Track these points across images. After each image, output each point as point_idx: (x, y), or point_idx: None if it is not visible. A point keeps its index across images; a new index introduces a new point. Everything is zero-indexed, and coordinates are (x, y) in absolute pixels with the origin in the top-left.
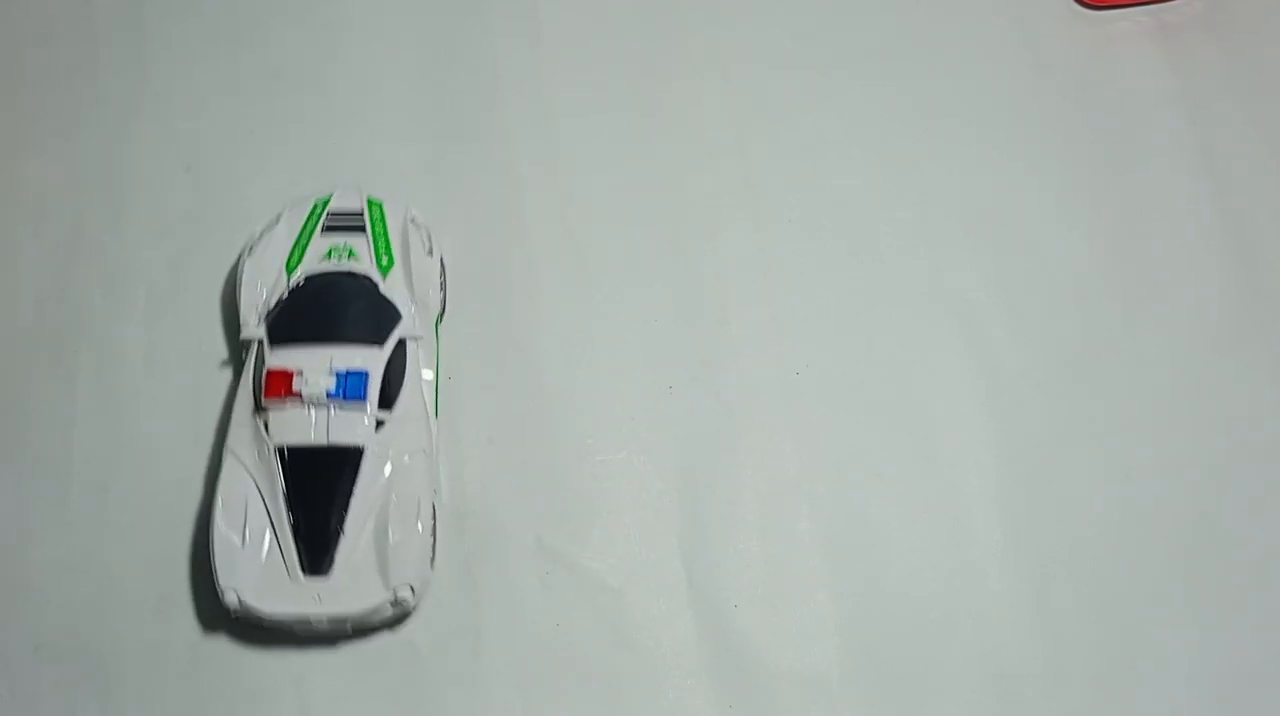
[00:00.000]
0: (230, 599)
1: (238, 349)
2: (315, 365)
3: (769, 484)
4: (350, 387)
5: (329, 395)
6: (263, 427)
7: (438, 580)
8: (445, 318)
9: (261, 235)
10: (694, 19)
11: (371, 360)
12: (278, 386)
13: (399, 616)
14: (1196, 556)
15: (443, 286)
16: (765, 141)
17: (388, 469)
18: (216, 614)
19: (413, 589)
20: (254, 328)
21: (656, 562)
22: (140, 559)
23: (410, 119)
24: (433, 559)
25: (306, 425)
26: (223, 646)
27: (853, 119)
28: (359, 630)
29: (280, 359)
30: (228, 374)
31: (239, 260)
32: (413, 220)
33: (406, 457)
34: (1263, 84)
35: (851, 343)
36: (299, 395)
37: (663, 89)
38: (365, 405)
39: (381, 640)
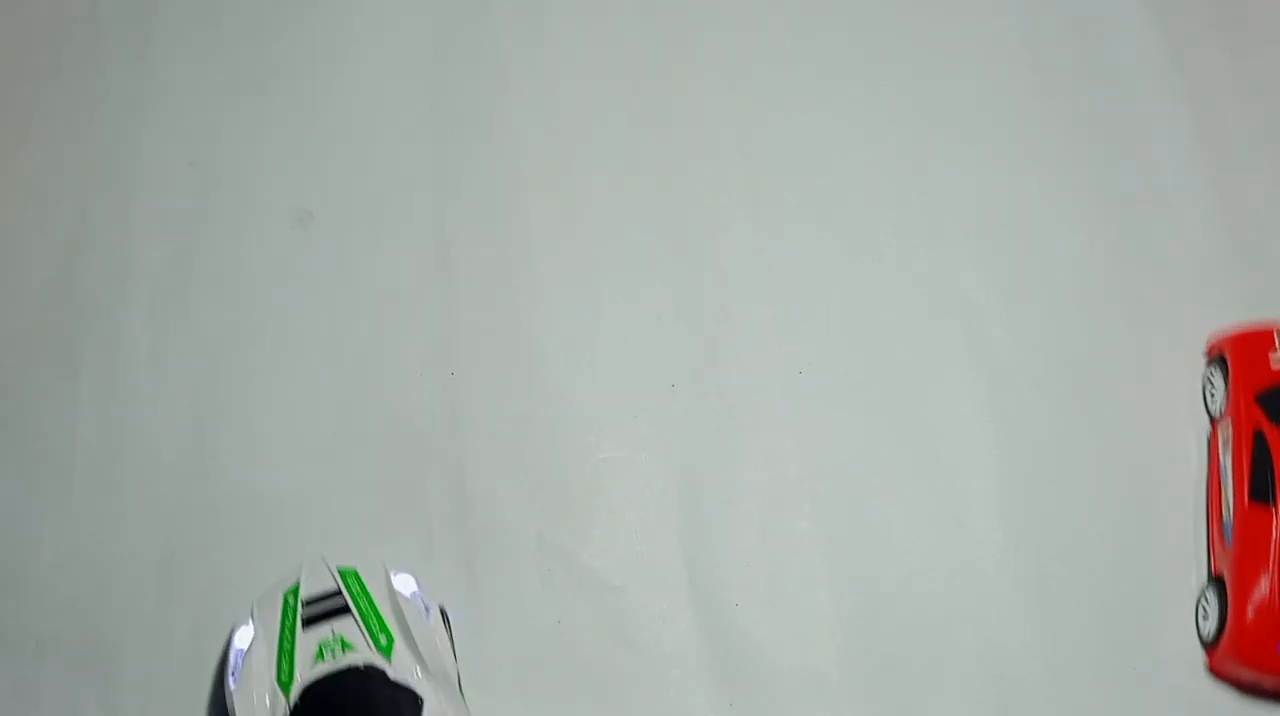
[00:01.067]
0: None
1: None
2: None
3: (770, 483)
4: None
5: None
6: None
7: (438, 578)
8: (452, 312)
9: (236, 655)
10: (697, 18)
11: None
12: None
13: None
14: (1197, 556)
15: (450, 639)
16: (768, 141)
17: None
18: (218, 607)
19: None
20: None
21: (658, 561)
22: (142, 554)
23: (415, 117)
24: None
25: None
26: (224, 640)
27: (855, 118)
28: None
29: None
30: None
31: (224, 690)
32: (394, 577)
33: None
34: (1269, 83)
35: (854, 342)
36: None
37: (665, 88)
38: None
39: None
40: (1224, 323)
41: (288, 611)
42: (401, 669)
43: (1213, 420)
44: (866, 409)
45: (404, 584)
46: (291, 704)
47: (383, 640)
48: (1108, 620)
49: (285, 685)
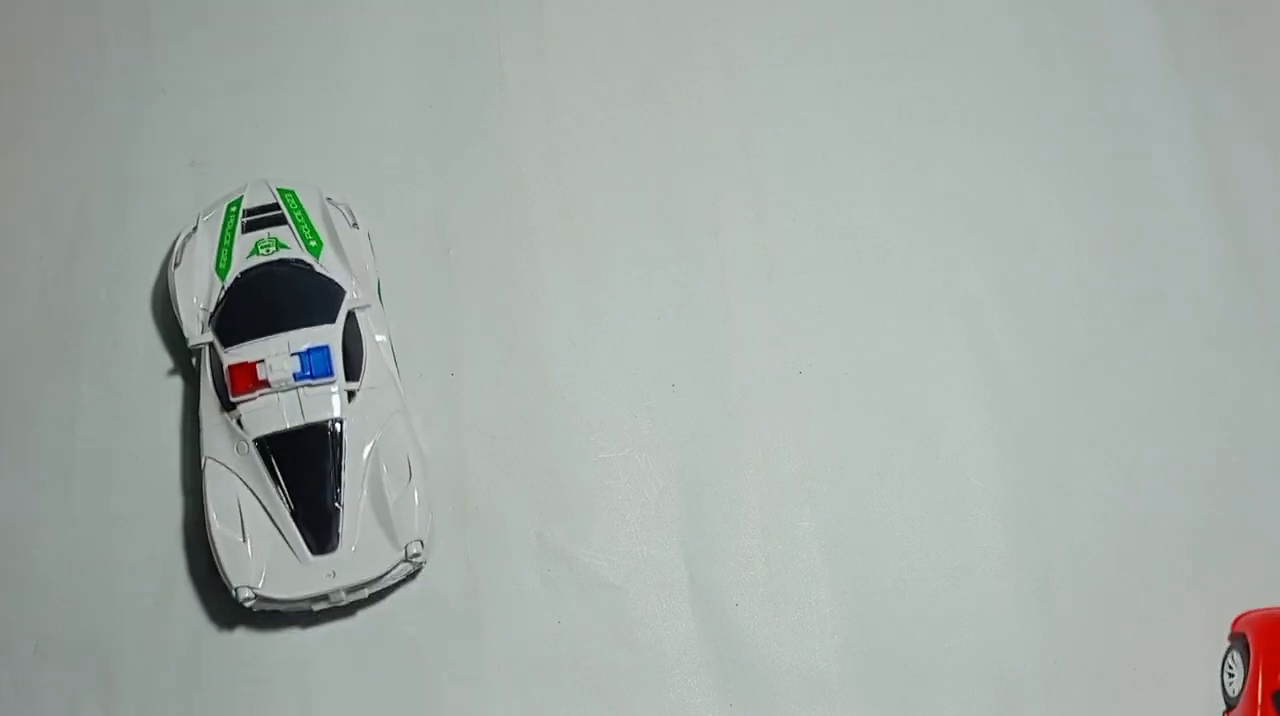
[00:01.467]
0: (245, 595)
1: (184, 362)
2: (275, 352)
3: (770, 482)
4: (315, 364)
5: (296, 377)
6: (236, 425)
7: (438, 578)
8: (452, 312)
9: (182, 245)
10: (699, 18)
11: (328, 336)
12: (243, 380)
13: (414, 571)
14: (1198, 556)
15: (373, 255)
16: (769, 140)
17: (369, 435)
18: (217, 607)
19: (422, 542)
20: (200, 334)
21: (658, 560)
22: (142, 553)
23: (415, 116)
24: (429, 500)
25: (280, 412)
26: (224, 640)
27: (856, 118)
28: (377, 595)
29: (239, 355)
30: (177, 386)
31: (165, 274)
32: (329, 200)
33: (385, 419)
34: (1270, 84)
35: (854, 342)
36: (266, 383)
37: (667, 87)
38: (333, 379)
39: (383, 635)
40: (1225, 323)
41: (229, 216)
42: (328, 265)
43: (1228, 707)
44: (866, 408)
45: (337, 203)
46: (226, 285)
47: (313, 243)
48: (1108, 620)
49: (222, 272)
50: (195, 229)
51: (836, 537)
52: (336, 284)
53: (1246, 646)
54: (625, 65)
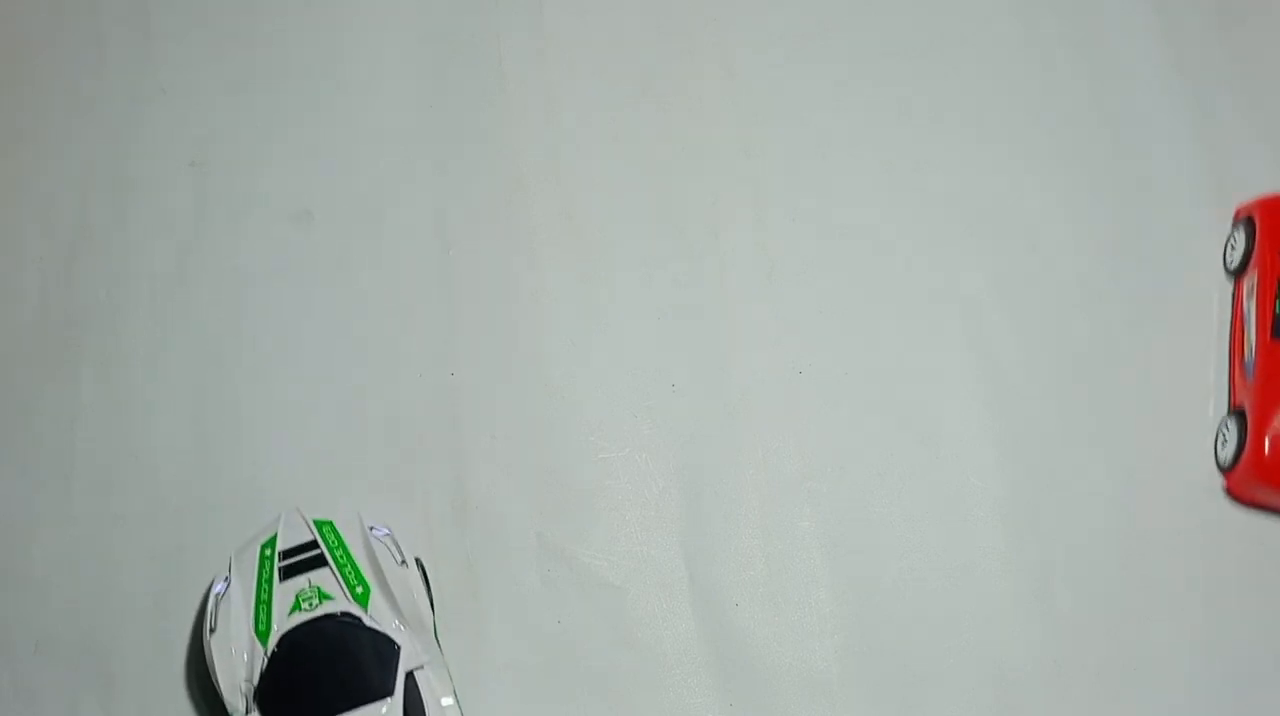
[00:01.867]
0: None
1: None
2: None
3: (771, 483)
4: None
5: None
6: None
7: (439, 577)
8: (452, 312)
9: (215, 606)
10: (699, 18)
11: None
12: None
13: None
14: (1198, 556)
15: (428, 590)
16: (769, 140)
17: None
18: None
19: None
20: (246, 714)
21: (658, 560)
22: (142, 554)
23: (415, 116)
24: None
25: None
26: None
27: (857, 118)
28: None
29: None
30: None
31: (203, 641)
32: (372, 530)
33: None
34: (1270, 84)
35: (854, 342)
36: None
37: (667, 87)
38: None
39: None
40: (1223, 325)
41: (264, 563)
42: (378, 615)
43: (1236, 277)
44: (866, 409)
45: (380, 536)
46: (269, 652)
47: (359, 589)
48: (1109, 620)
49: (263, 635)
50: (229, 581)
51: (836, 537)
52: (390, 641)
53: (1252, 223)
54: (625, 65)
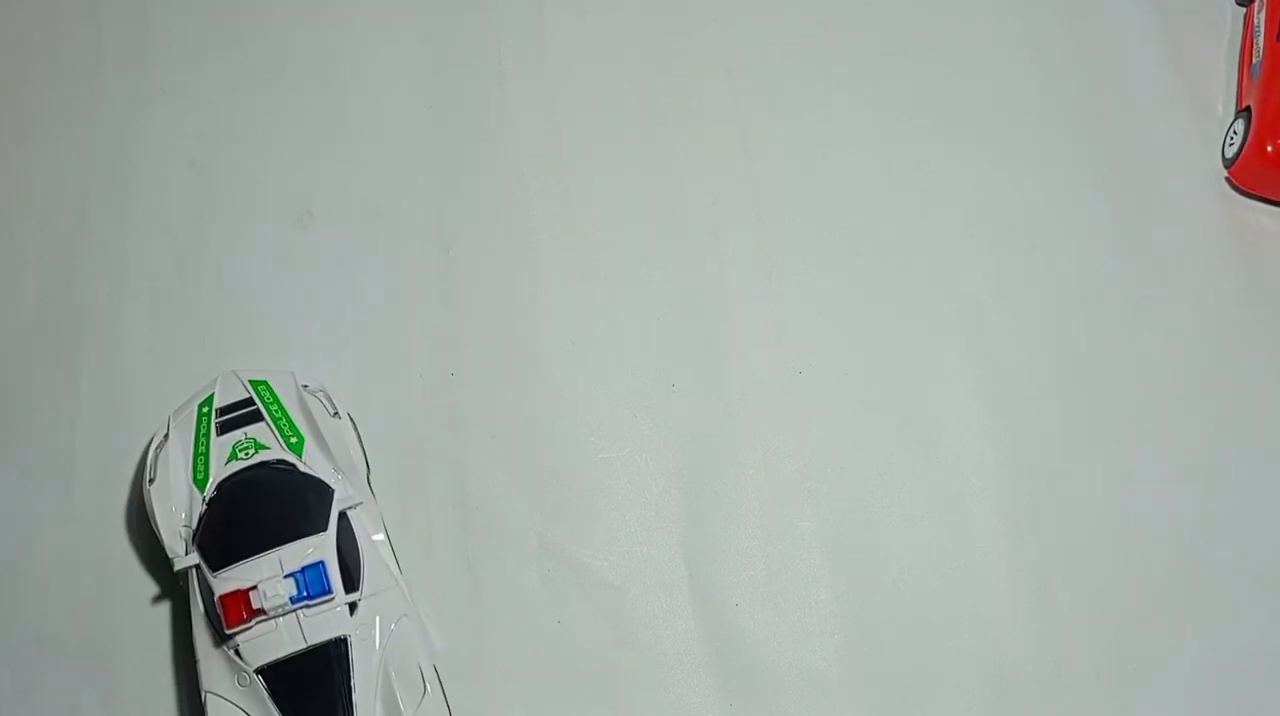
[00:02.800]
0: None
1: (169, 580)
2: (267, 574)
3: (770, 482)
4: (311, 584)
5: (293, 600)
6: (234, 656)
7: (439, 577)
8: (452, 312)
9: (154, 458)
10: (699, 18)
11: (321, 547)
12: (237, 611)
13: None
14: (1197, 556)
15: (360, 442)
16: (769, 140)
17: (377, 648)
18: None
19: None
20: (185, 556)
21: (658, 560)
22: (142, 552)
23: (415, 116)
24: (449, 709)
25: (280, 637)
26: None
27: (856, 118)
28: None
29: (228, 581)
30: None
31: (142, 491)
32: (305, 387)
33: (392, 627)
34: None
35: (854, 342)
36: (262, 611)
37: (667, 88)
38: (332, 596)
39: None
40: (1225, 323)
41: (202, 419)
42: (312, 462)
43: (1247, 4)
44: (866, 409)
45: (313, 391)
46: (207, 497)
47: (294, 439)
48: (1108, 620)
49: (201, 482)
50: (167, 436)
51: (836, 537)
52: (324, 483)
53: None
54: (625, 65)
